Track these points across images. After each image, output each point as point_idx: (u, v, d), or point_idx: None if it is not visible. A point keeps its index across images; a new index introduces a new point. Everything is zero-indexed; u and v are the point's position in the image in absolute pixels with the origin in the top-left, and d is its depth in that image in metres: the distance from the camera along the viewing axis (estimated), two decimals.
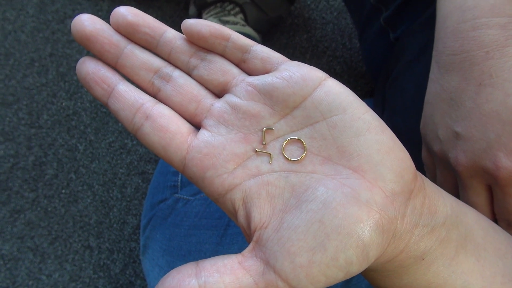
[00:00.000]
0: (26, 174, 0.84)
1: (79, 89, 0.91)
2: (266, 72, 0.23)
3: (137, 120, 0.22)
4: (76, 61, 0.93)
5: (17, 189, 0.84)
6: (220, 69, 0.23)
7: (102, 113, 0.88)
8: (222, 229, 0.47)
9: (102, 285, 0.78)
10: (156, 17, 0.92)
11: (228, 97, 0.23)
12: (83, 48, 0.94)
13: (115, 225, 0.80)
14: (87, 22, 0.22)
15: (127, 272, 0.78)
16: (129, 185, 0.82)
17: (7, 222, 0.82)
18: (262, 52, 0.23)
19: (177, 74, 0.23)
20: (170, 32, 0.23)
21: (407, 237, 0.22)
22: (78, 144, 0.85)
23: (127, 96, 0.22)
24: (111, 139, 0.85)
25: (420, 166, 0.35)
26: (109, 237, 0.80)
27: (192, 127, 0.23)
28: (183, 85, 0.23)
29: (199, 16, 0.86)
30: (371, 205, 0.20)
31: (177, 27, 0.27)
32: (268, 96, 0.22)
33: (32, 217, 0.82)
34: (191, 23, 0.23)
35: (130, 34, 0.23)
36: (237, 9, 0.80)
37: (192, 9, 0.88)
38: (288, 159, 0.22)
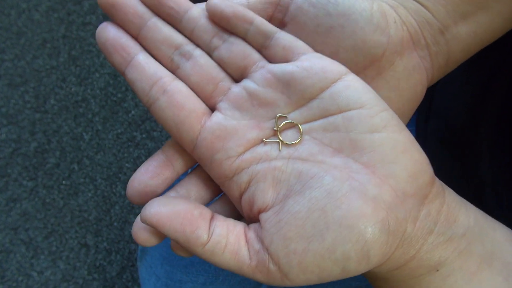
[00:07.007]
0: (27, 161, 0.81)
1: (90, 74, 0.87)
2: (287, 60, 0.23)
3: (154, 93, 0.23)
4: (90, 45, 0.89)
5: (16, 176, 0.80)
6: (241, 52, 0.24)
7: (112, 102, 0.84)
8: None
9: (95, 287, 0.74)
10: None
11: (246, 83, 0.23)
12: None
13: (115, 223, 0.77)
14: None
15: (124, 276, 0.75)
16: None
17: (2, 211, 0.79)
18: (285, 40, 0.23)
19: (198, 53, 0.24)
20: (195, 10, 0.24)
21: (418, 243, 0.21)
22: (84, 133, 0.83)
23: (146, 67, 0.23)
24: (119, 130, 0.82)
25: None
26: (108, 236, 0.77)
27: (207, 108, 0.24)
28: (203, 65, 0.24)
29: None
30: (378, 202, 0.20)
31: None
32: (286, 85, 0.23)
33: (28, 208, 0.79)
34: (215, 2, 0.23)
35: (156, 7, 0.24)
36: None
37: None
38: (284, 142, 0.22)
